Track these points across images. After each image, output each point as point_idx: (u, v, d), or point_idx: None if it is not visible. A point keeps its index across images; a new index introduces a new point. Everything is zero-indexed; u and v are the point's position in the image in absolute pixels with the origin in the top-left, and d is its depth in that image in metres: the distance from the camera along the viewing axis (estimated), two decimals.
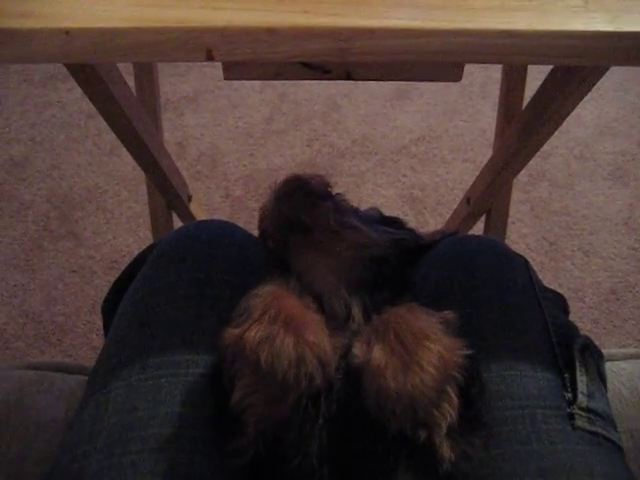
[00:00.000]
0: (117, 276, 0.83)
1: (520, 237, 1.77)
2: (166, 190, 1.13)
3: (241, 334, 0.54)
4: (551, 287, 0.77)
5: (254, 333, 0.53)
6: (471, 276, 0.73)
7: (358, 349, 0.58)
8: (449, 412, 0.53)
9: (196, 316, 0.68)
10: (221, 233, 0.78)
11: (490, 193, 1.10)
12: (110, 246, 1.77)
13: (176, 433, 0.60)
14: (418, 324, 0.55)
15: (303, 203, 0.72)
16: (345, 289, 0.65)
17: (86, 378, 0.79)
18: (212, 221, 0.81)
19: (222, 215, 1.82)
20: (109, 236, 1.79)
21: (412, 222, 1.81)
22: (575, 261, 1.72)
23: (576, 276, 1.69)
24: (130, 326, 0.69)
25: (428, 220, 1.82)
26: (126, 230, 1.80)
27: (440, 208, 1.84)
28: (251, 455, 0.56)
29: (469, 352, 0.55)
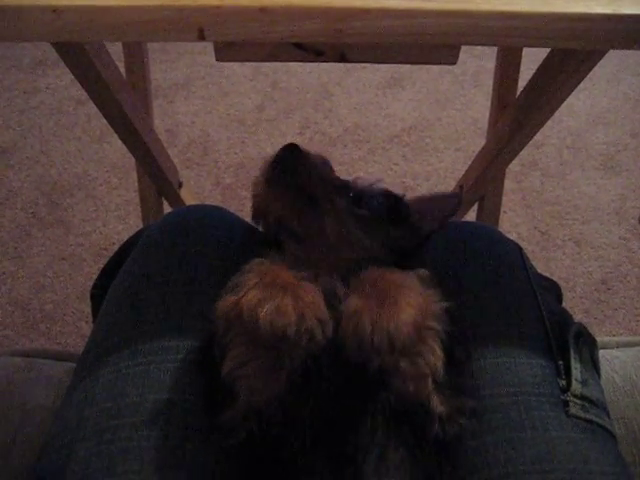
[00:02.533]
0: (106, 262, 0.82)
1: (512, 226, 1.77)
2: (156, 176, 1.12)
3: (237, 300, 0.53)
4: (533, 267, 0.76)
5: (251, 297, 0.53)
6: (464, 263, 0.72)
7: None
8: (434, 363, 0.52)
9: (186, 301, 0.67)
10: (211, 217, 0.77)
11: (483, 181, 1.09)
12: (99, 233, 1.75)
13: (166, 419, 0.59)
14: (393, 276, 0.55)
15: (298, 207, 0.68)
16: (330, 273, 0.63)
17: (73, 365, 0.78)
18: (202, 206, 0.80)
19: (212, 203, 1.80)
20: (98, 223, 1.77)
21: None
22: (566, 251, 1.72)
23: (567, 266, 1.69)
24: (119, 311, 0.68)
25: None
26: (116, 217, 1.79)
27: None
28: (243, 436, 0.55)
29: (447, 304, 0.55)
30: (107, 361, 0.64)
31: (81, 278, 1.66)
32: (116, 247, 1.71)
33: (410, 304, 0.52)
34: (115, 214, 1.79)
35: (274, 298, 0.52)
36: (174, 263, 0.70)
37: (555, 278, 1.64)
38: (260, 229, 0.74)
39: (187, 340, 0.65)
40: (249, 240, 0.75)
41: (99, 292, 0.79)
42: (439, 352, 0.53)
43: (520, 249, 0.75)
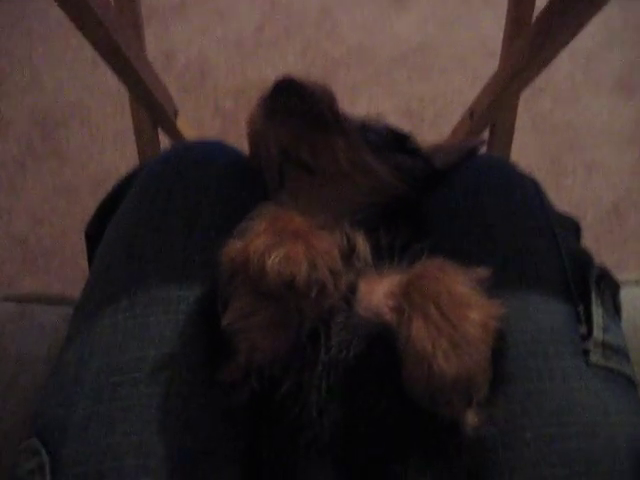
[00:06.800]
0: (103, 197, 0.77)
1: (521, 153, 1.70)
2: (151, 106, 1.06)
3: (244, 246, 0.49)
4: (551, 204, 0.72)
5: (260, 242, 0.49)
6: (479, 200, 0.67)
7: (365, 294, 0.53)
8: (482, 385, 0.47)
9: (187, 248, 0.63)
10: (212, 155, 0.71)
11: (495, 108, 1.03)
12: (96, 164, 1.70)
13: (168, 376, 0.56)
14: (457, 290, 0.48)
15: (305, 132, 0.63)
16: (348, 224, 0.58)
17: (68, 309, 0.75)
18: (202, 142, 0.75)
19: (212, 130, 1.75)
20: (94, 154, 1.72)
21: None
22: (577, 177, 1.67)
23: (577, 193, 1.65)
24: (116, 259, 0.64)
25: (426, 134, 1.75)
26: (112, 147, 1.73)
27: (439, 121, 1.77)
28: (245, 396, 0.52)
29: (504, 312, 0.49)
30: (104, 314, 0.60)
31: (78, 211, 1.62)
32: (113, 179, 1.66)
33: (483, 339, 0.46)
34: (111, 143, 1.74)
35: (284, 245, 0.48)
36: (173, 206, 0.65)
37: (565, 205, 1.60)
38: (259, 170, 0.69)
39: (188, 290, 0.61)
40: (255, 179, 0.70)
41: (95, 231, 0.75)
42: (489, 372, 0.47)
43: (537, 184, 0.71)
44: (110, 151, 1.72)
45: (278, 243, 0.48)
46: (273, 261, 0.47)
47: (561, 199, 1.63)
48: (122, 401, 0.55)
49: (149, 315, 0.59)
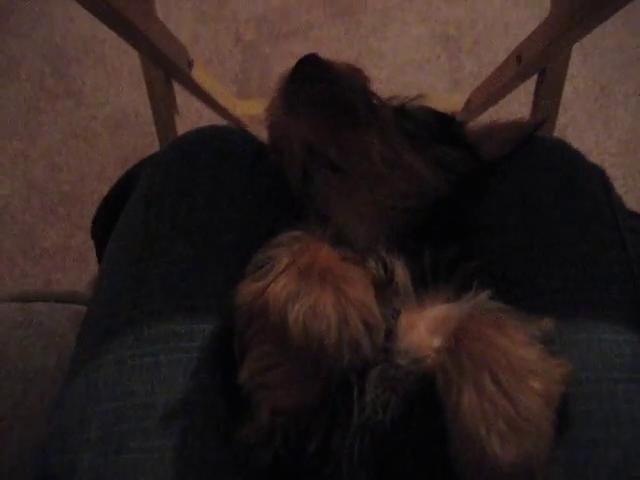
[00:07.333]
0: (107, 192, 0.70)
1: (567, 80, 1.57)
2: (161, 62, 0.96)
3: (263, 289, 0.43)
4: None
5: (280, 287, 0.42)
6: (537, 205, 0.58)
7: (405, 330, 0.46)
8: (545, 466, 0.39)
9: (200, 273, 0.56)
10: (225, 150, 0.62)
11: (547, 55, 0.91)
12: (113, 104, 1.61)
13: (181, 425, 0.50)
14: (515, 353, 0.40)
15: (333, 127, 0.54)
16: (385, 246, 0.50)
17: (77, 308, 0.69)
18: (212, 133, 0.65)
19: (233, 63, 1.63)
20: (111, 92, 1.63)
21: (446, 66, 1.61)
22: (629, 107, 1.54)
23: (629, 125, 1.52)
24: (122, 280, 0.57)
25: (464, 63, 1.62)
26: (129, 84, 1.63)
27: (478, 48, 1.63)
28: (268, 458, 0.45)
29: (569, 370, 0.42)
30: (109, 346, 0.54)
31: (97, 155, 1.54)
32: (132, 119, 1.58)
33: (546, 415, 0.38)
34: (128, 81, 1.64)
35: (309, 292, 0.41)
36: (183, 220, 0.57)
37: (614, 140, 1.49)
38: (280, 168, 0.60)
39: (202, 323, 0.54)
40: (277, 181, 0.60)
41: (100, 230, 0.68)
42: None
43: (603, 176, 0.61)
44: (127, 89, 1.62)
45: (303, 290, 0.41)
46: (297, 314, 0.40)
47: (610, 133, 1.51)
48: (132, 453, 0.49)
49: (158, 353, 0.52)
